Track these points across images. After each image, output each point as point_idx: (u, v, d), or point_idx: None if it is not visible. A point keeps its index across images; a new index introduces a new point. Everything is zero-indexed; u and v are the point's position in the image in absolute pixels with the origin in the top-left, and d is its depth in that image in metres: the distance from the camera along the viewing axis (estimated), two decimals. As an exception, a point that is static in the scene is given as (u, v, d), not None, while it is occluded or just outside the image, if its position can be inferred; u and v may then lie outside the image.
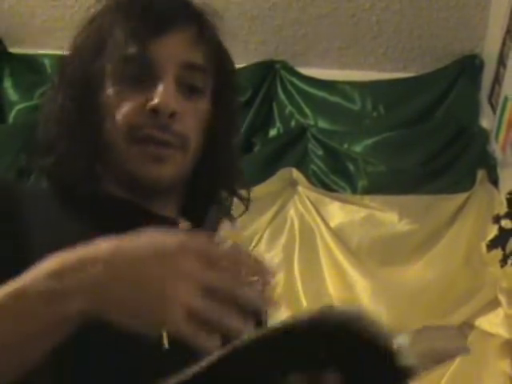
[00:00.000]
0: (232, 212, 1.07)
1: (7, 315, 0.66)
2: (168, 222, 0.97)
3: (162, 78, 0.92)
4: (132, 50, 0.92)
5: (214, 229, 1.04)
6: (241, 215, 1.07)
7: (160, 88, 0.91)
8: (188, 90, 0.95)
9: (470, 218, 2.62)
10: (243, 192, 1.06)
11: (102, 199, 0.95)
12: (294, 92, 3.01)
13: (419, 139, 2.86)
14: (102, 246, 0.68)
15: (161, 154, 0.91)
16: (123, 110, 0.92)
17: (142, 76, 0.93)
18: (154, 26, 0.93)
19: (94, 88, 0.94)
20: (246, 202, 1.06)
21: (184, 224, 1.00)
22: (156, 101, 0.90)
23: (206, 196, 1.03)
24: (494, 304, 2.41)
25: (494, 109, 2.76)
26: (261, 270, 0.69)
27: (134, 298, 0.65)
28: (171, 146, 0.92)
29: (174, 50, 0.94)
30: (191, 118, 0.94)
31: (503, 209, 2.41)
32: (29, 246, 0.84)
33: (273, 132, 2.98)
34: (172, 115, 0.91)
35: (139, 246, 0.67)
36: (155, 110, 0.91)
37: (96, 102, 0.94)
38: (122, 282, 0.65)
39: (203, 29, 0.99)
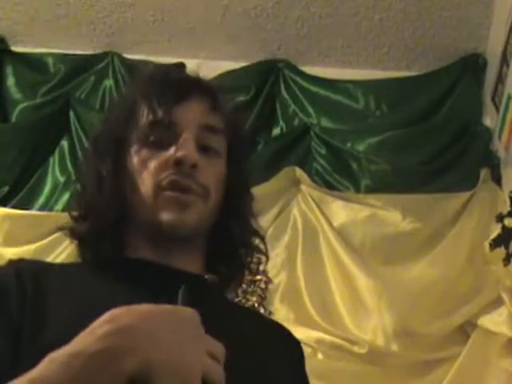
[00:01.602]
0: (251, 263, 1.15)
1: (63, 378, 0.69)
2: (195, 279, 1.04)
3: (182, 136, 1.03)
4: (157, 115, 1.04)
5: (238, 281, 1.14)
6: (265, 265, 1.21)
7: (181, 143, 1.02)
8: (205, 150, 1.05)
9: (474, 217, 2.62)
10: (260, 245, 1.15)
11: (130, 263, 1.03)
12: (297, 91, 3.01)
13: (422, 138, 2.85)
14: (144, 308, 0.75)
15: (185, 199, 1.00)
16: (150, 167, 1.02)
17: (165, 138, 1.03)
18: (174, 95, 1.05)
19: (123, 155, 1.06)
20: (266, 255, 1.15)
21: (212, 277, 1.10)
22: (179, 153, 1.00)
23: (227, 253, 1.11)
24: (497, 303, 2.41)
25: (497, 107, 2.76)
26: None
27: (174, 354, 0.71)
28: (194, 192, 1.01)
29: (193, 114, 1.06)
30: (210, 173, 1.04)
31: (506, 207, 2.41)
32: (53, 313, 0.91)
33: (276, 131, 2.98)
34: (194, 166, 1.01)
35: (169, 311, 0.77)
36: (179, 162, 1.00)
37: (126, 166, 1.04)
38: (166, 342, 0.71)
39: (217, 99, 1.10)
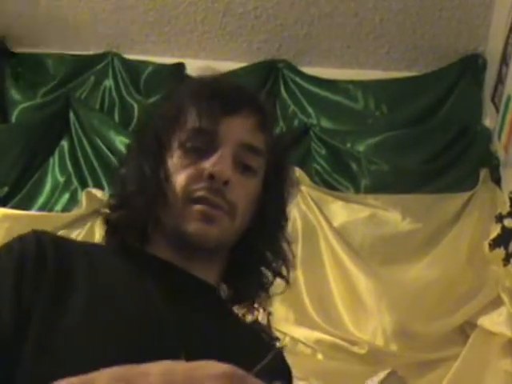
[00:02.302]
0: (272, 289, 1.14)
1: None
2: (207, 288, 1.05)
3: (220, 150, 1.04)
4: (203, 123, 1.05)
5: (252, 299, 1.14)
6: (282, 292, 1.16)
7: (217, 157, 1.03)
8: (242, 167, 1.06)
9: (473, 217, 2.62)
10: (284, 271, 1.14)
11: (149, 259, 1.04)
12: (296, 91, 3.02)
13: (422, 138, 2.86)
14: (156, 365, 0.69)
15: (211, 214, 1.01)
16: (183, 175, 1.03)
17: (204, 147, 1.04)
18: (224, 106, 1.06)
19: (164, 155, 1.07)
20: (287, 280, 1.14)
21: (223, 289, 1.10)
22: (213, 168, 1.01)
23: (247, 269, 1.12)
24: (496, 303, 2.41)
25: (496, 108, 2.76)
26: None
27: None
28: (221, 209, 1.02)
29: (237, 129, 1.06)
30: (242, 191, 1.05)
31: (506, 208, 2.41)
32: (73, 285, 0.92)
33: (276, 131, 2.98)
34: (226, 183, 1.02)
35: (189, 367, 0.68)
36: (211, 176, 1.01)
37: (165, 166, 1.06)
38: None
39: (265, 118, 1.10)
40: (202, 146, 1.04)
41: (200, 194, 1.01)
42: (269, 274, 1.13)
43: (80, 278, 0.93)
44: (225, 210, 1.02)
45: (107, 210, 1.09)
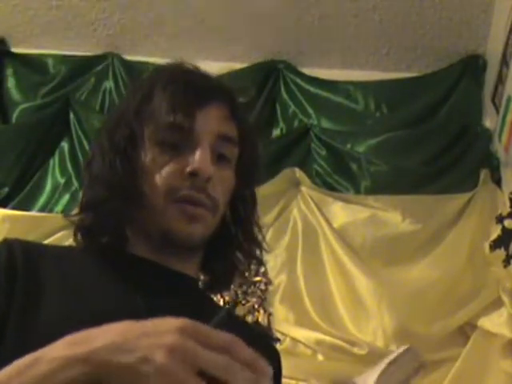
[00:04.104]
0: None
1: (28, 375, 0.72)
2: (188, 281, 1.06)
3: (200, 146, 1.03)
4: (178, 118, 1.02)
5: (228, 284, 1.17)
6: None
7: (198, 154, 1.01)
8: (217, 158, 1.05)
9: (473, 218, 2.62)
10: (259, 254, 1.15)
11: (129, 259, 1.03)
12: (297, 92, 3.02)
13: (422, 139, 2.86)
14: (114, 324, 0.74)
15: (196, 213, 1.00)
16: (163, 173, 1.01)
17: (181, 142, 1.03)
18: (195, 99, 1.04)
19: (137, 149, 1.04)
20: (261, 262, 1.17)
21: (204, 280, 1.12)
22: (195, 165, 1.00)
23: (223, 255, 1.12)
24: (497, 304, 2.41)
25: (497, 109, 2.76)
26: (254, 361, 0.73)
27: (123, 363, 0.70)
28: (205, 206, 1.01)
29: (211, 121, 1.05)
30: (221, 184, 1.05)
31: (506, 209, 2.41)
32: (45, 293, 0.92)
33: (276, 132, 2.99)
34: (208, 179, 1.01)
35: (147, 323, 0.73)
36: (194, 174, 1.00)
37: (138, 161, 1.04)
38: (118, 352, 0.70)
39: (235, 106, 1.10)
40: (178, 142, 1.02)
41: (184, 192, 1.00)
42: (243, 259, 1.13)
43: (50, 282, 0.93)
44: (208, 207, 1.02)
45: (79, 214, 1.07)
